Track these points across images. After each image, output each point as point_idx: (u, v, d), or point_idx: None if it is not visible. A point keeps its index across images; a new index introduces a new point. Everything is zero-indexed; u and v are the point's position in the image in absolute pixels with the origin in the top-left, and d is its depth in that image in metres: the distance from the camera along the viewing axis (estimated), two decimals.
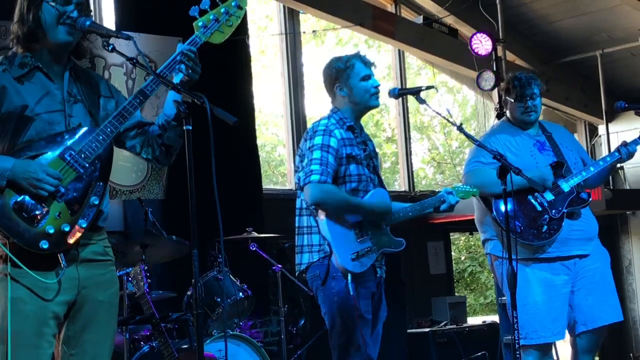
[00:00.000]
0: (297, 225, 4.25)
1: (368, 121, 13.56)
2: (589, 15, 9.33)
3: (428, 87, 4.27)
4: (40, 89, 3.07)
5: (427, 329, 7.04)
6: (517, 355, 3.98)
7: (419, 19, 9.32)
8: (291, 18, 8.78)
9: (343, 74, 4.24)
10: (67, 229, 2.94)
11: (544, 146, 4.75)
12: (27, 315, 2.93)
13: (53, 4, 3.05)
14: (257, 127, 8.39)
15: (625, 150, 4.69)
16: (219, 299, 5.53)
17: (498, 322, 8.04)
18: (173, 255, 5.77)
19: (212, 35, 3.25)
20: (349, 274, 4.02)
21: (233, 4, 3.27)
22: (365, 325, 4.10)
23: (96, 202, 3.01)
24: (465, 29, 9.60)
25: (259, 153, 7.97)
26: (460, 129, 4.14)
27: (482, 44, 8.66)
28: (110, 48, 3.07)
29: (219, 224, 3.04)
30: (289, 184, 8.70)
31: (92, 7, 3.30)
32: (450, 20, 9.54)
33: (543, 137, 4.80)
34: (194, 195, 3.03)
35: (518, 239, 4.36)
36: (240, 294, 5.62)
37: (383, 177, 4.52)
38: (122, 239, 6.95)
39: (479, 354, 6.75)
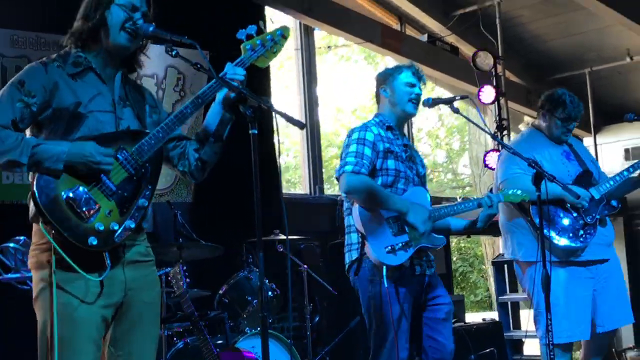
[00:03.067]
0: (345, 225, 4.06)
1: None
2: (580, 36, 9.23)
3: (462, 97, 4.09)
4: (92, 89, 2.86)
5: None
6: (552, 356, 3.78)
7: (424, 37, 9.19)
8: (307, 34, 8.60)
9: (390, 77, 4.10)
10: (115, 227, 2.73)
11: (570, 156, 4.63)
12: (76, 321, 2.71)
13: (124, 7, 2.87)
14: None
15: None
16: (249, 298, 5.32)
17: (497, 319, 7.96)
18: (203, 256, 5.56)
19: (258, 59, 3.12)
20: (384, 267, 3.79)
21: (278, 32, 3.17)
22: (403, 330, 3.86)
23: (145, 205, 2.81)
24: (465, 48, 9.51)
25: None
26: (493, 136, 3.98)
27: (484, 61, 8.59)
28: (174, 53, 2.90)
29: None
30: (304, 189, 8.54)
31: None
32: (452, 39, 9.40)
33: (567, 148, 4.68)
34: (259, 197, 2.88)
35: (557, 243, 4.29)
36: (270, 292, 5.41)
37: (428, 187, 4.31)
38: (153, 241, 6.77)
39: (488, 350, 6.52)
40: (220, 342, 4.95)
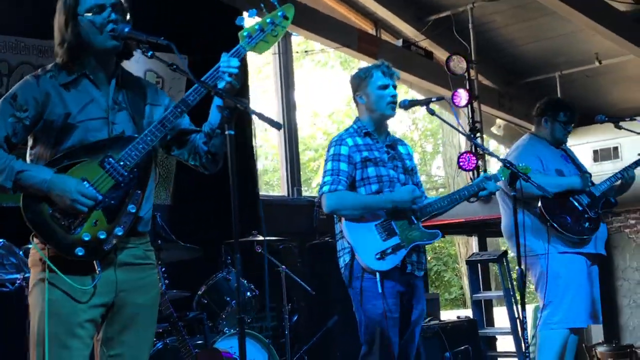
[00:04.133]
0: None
1: None
2: (550, 40, 9.20)
3: (438, 99, 4.02)
4: (85, 97, 2.79)
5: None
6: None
7: (399, 42, 9.16)
8: (284, 39, 8.52)
9: (362, 82, 4.02)
10: (103, 236, 2.68)
11: (567, 159, 4.91)
12: (61, 318, 2.67)
13: (88, 15, 2.75)
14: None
15: (625, 173, 4.85)
16: (228, 298, 5.23)
17: (472, 317, 7.91)
18: (182, 257, 5.47)
19: (256, 45, 2.95)
20: (377, 273, 3.75)
21: (279, 14, 2.96)
22: (392, 324, 3.81)
23: (133, 210, 2.73)
24: (439, 52, 9.47)
25: None
26: (469, 137, 3.95)
27: (457, 65, 8.55)
28: (150, 54, 2.79)
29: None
30: (282, 191, 8.48)
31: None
32: (426, 43, 9.37)
33: (563, 152, 4.95)
34: (237, 197, 2.80)
35: (566, 232, 4.59)
36: (248, 293, 5.33)
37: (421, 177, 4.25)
38: None
39: (463, 347, 6.47)
40: (199, 342, 4.86)
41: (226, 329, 5.10)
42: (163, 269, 4.52)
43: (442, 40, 9.26)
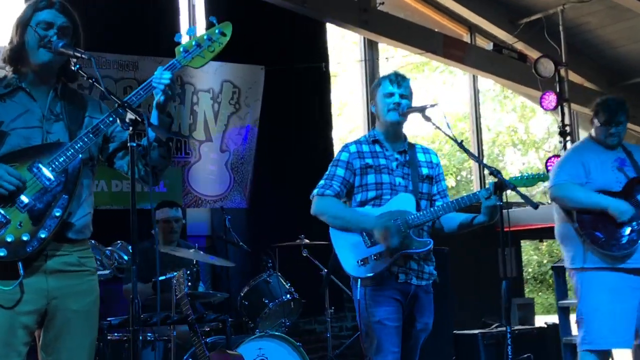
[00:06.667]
0: None
1: None
2: None
3: (432, 105, 3.69)
4: (20, 108, 2.77)
5: (476, 331, 6.32)
6: None
7: (490, 46, 8.64)
8: (370, 47, 8.28)
9: (374, 92, 3.83)
10: (26, 237, 2.62)
11: (625, 163, 4.32)
12: None
13: (35, 28, 2.77)
14: None
15: None
16: (266, 300, 5.09)
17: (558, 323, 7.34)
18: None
19: (192, 60, 2.91)
20: (359, 280, 3.51)
21: (217, 31, 2.93)
22: (387, 333, 3.54)
23: (58, 214, 2.67)
24: (534, 54, 8.85)
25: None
26: (460, 145, 3.56)
27: (545, 68, 7.98)
28: (76, 68, 2.75)
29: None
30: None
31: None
32: (520, 46, 8.80)
33: (624, 154, 4.35)
34: (134, 203, 2.62)
35: (599, 249, 4.11)
36: (288, 295, 5.16)
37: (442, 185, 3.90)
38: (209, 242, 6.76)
39: (525, 356, 5.97)
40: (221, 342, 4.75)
41: (257, 330, 4.97)
42: (187, 272, 4.44)
43: (535, 43, 8.67)
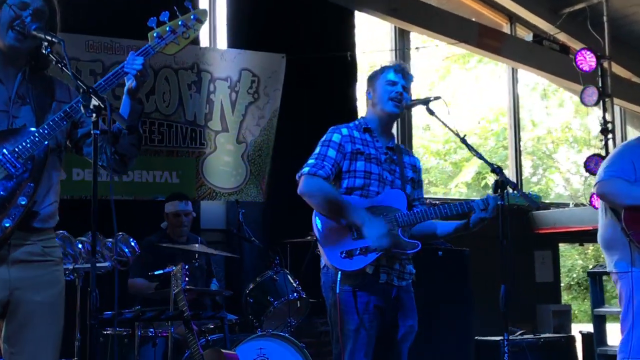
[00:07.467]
0: None
1: None
2: None
3: (436, 98, 3.45)
4: None
5: (498, 337, 5.99)
6: None
7: (530, 37, 8.24)
8: (402, 37, 7.97)
9: (374, 78, 3.60)
10: None
11: None
12: None
13: (12, 5, 2.64)
14: None
15: None
16: (271, 299, 4.87)
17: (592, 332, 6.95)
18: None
19: (166, 46, 2.83)
20: (339, 272, 3.29)
21: (192, 17, 2.84)
22: (361, 342, 3.31)
23: (23, 203, 2.56)
24: (577, 46, 8.40)
25: None
26: (463, 140, 3.29)
27: (586, 61, 7.55)
28: (47, 51, 2.62)
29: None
30: None
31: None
32: (563, 37, 8.37)
33: None
34: (96, 192, 2.49)
35: None
36: (295, 294, 4.93)
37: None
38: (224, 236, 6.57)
39: None
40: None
41: (259, 329, 4.74)
42: (186, 267, 4.25)
43: (578, 34, 8.24)
